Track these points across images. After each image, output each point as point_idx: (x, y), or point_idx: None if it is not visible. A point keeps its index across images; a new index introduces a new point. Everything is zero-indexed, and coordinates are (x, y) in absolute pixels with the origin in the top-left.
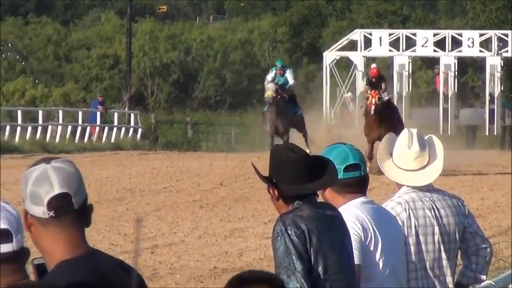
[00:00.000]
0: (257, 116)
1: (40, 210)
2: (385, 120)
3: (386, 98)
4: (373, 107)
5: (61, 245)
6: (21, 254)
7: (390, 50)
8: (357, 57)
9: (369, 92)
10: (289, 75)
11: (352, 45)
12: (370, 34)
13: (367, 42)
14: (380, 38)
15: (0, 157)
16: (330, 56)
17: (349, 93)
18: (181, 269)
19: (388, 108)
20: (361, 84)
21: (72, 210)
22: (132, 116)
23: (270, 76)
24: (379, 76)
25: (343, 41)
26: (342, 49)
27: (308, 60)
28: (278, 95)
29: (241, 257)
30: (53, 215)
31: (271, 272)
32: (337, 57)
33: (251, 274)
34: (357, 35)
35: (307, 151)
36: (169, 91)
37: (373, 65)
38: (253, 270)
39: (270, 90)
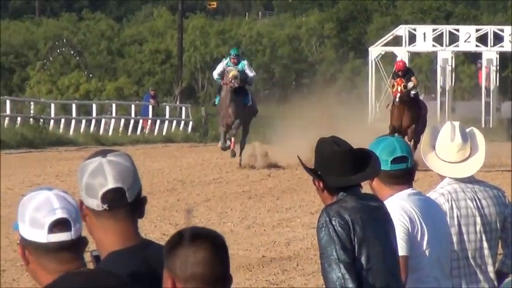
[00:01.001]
0: (304, 109)
1: (94, 203)
2: (409, 111)
3: (413, 91)
4: (398, 95)
5: (113, 237)
6: (79, 243)
7: (434, 45)
8: (402, 52)
9: (394, 80)
10: (246, 67)
11: (396, 41)
12: (415, 30)
13: (412, 38)
14: (424, 33)
15: (50, 149)
16: (375, 51)
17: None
18: (231, 258)
19: (414, 102)
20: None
21: (125, 203)
22: (183, 109)
23: (222, 65)
24: (406, 70)
25: (388, 37)
26: (387, 44)
27: (354, 55)
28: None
29: (289, 246)
30: (107, 208)
31: (214, 229)
32: (382, 52)
33: (192, 230)
34: (402, 30)
35: (240, 146)
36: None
37: (399, 58)
38: (195, 226)
39: (234, 70)
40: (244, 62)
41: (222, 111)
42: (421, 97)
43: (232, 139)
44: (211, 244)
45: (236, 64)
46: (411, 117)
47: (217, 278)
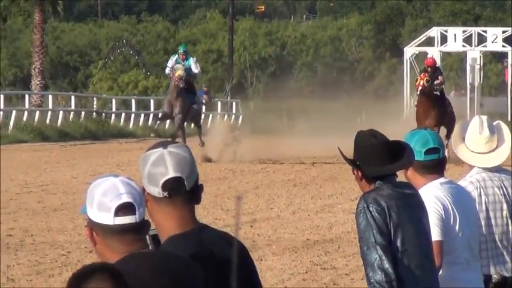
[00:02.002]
0: (346, 104)
1: (155, 190)
2: (434, 109)
3: (439, 88)
4: (419, 88)
5: (172, 221)
6: (143, 226)
7: (463, 46)
8: (434, 52)
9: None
10: (192, 63)
11: (429, 41)
12: (446, 31)
13: (443, 39)
14: (455, 34)
15: (111, 141)
16: (409, 50)
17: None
18: (277, 240)
19: (439, 99)
20: None
21: (184, 191)
22: (234, 104)
23: (171, 61)
24: (435, 67)
25: (422, 38)
26: (421, 45)
27: (390, 55)
28: (186, 80)
29: (331, 230)
30: (167, 195)
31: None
32: (416, 52)
33: (86, 267)
34: (434, 32)
35: (200, 144)
36: (266, 82)
37: (429, 55)
38: (88, 264)
39: (180, 69)
40: (192, 59)
41: (168, 98)
42: (452, 93)
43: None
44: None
45: (184, 60)
46: (437, 116)
47: None
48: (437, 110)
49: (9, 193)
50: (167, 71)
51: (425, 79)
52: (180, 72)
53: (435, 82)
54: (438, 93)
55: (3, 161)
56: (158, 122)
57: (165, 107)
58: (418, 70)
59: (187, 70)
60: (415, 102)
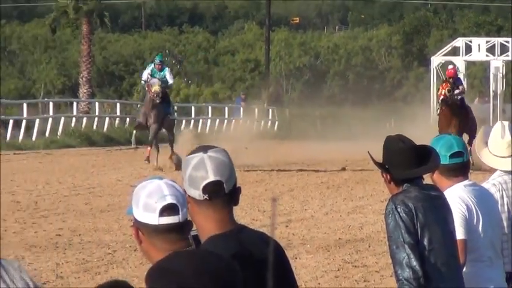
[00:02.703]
0: (377, 111)
1: (196, 193)
2: (455, 117)
3: (459, 97)
4: (441, 98)
5: (212, 223)
6: (186, 225)
7: (487, 55)
8: (459, 61)
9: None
10: (167, 73)
11: (454, 51)
12: (470, 41)
13: (468, 48)
14: (479, 44)
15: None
16: (436, 60)
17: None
18: (311, 240)
19: (460, 107)
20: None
21: (223, 194)
22: (270, 111)
23: (147, 71)
24: (456, 77)
25: (448, 47)
26: (446, 54)
27: (418, 64)
28: (162, 92)
29: (362, 229)
30: (207, 198)
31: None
32: (443, 61)
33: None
34: (459, 42)
35: (173, 156)
36: (301, 89)
37: (450, 66)
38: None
39: (156, 85)
40: (166, 69)
41: (144, 110)
42: (476, 100)
43: (148, 148)
44: None
45: (160, 70)
46: (459, 123)
47: None
48: (459, 118)
49: (58, 195)
50: (143, 79)
51: (446, 89)
52: (156, 88)
53: (456, 91)
54: (459, 101)
55: (54, 164)
56: (134, 131)
57: (140, 118)
58: (444, 78)
59: (163, 81)
60: (438, 111)
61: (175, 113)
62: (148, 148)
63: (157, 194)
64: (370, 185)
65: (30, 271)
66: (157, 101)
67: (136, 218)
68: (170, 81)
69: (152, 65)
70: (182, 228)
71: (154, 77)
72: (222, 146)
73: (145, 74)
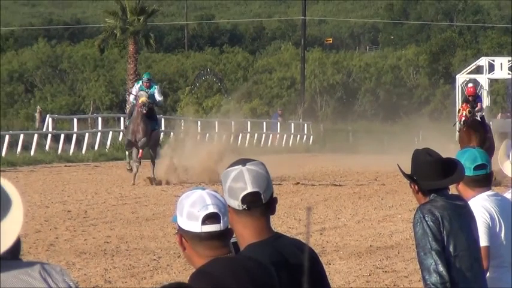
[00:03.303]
0: (405, 126)
1: (235, 203)
2: (476, 134)
3: (480, 115)
4: (462, 119)
5: (250, 231)
6: (227, 233)
7: (508, 73)
8: (483, 79)
9: (460, 106)
10: (156, 91)
11: (478, 69)
12: (493, 61)
13: (491, 67)
14: (501, 63)
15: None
16: (461, 78)
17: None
18: (344, 247)
19: (480, 124)
20: (486, 100)
21: (260, 204)
22: (305, 125)
23: (136, 88)
24: (476, 95)
25: (472, 66)
26: (471, 72)
27: (443, 82)
28: (149, 106)
29: (392, 237)
30: (246, 208)
31: (180, 281)
32: (467, 79)
33: (166, 286)
34: (483, 61)
35: (152, 175)
36: (334, 105)
37: (470, 84)
38: (167, 284)
39: (144, 96)
40: (155, 86)
41: (131, 127)
42: (498, 115)
43: (141, 150)
44: None
45: (148, 87)
46: (479, 139)
47: None
48: (478, 137)
49: (107, 205)
50: (131, 98)
51: (467, 110)
52: (143, 98)
53: (475, 109)
54: (479, 118)
55: (102, 176)
56: (127, 152)
57: (129, 136)
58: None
59: (151, 97)
60: (458, 130)
61: (161, 128)
62: (141, 151)
63: (200, 204)
64: (399, 195)
65: (80, 276)
66: (144, 111)
67: (181, 225)
68: (159, 98)
69: (140, 82)
70: (223, 236)
71: (141, 91)
72: (260, 159)
73: (134, 91)
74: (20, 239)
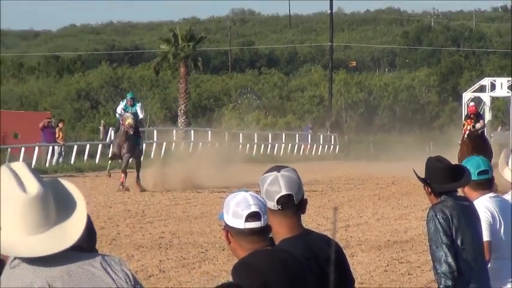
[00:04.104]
0: (418, 137)
1: (271, 204)
2: (478, 148)
3: (480, 130)
4: (467, 132)
5: (284, 228)
6: (266, 229)
7: (508, 92)
8: (486, 97)
9: (464, 121)
10: (138, 109)
11: (482, 88)
12: (495, 80)
13: (492, 86)
14: (501, 83)
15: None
16: (467, 95)
17: (483, 121)
18: (365, 241)
19: (481, 140)
20: (488, 115)
21: (293, 205)
22: (332, 137)
23: (121, 106)
24: (477, 113)
25: (476, 86)
26: (475, 91)
27: (452, 99)
28: (134, 125)
29: (406, 233)
30: (280, 208)
31: (230, 281)
32: (472, 97)
33: (219, 286)
34: (486, 81)
35: (136, 179)
36: (357, 120)
37: (472, 103)
38: (220, 284)
39: (129, 118)
40: (138, 104)
41: (118, 141)
42: (499, 128)
43: (122, 175)
44: None
45: (132, 105)
46: (479, 151)
47: None
48: (479, 148)
49: (161, 205)
50: (117, 115)
51: (471, 125)
52: (129, 121)
53: (477, 126)
54: (480, 133)
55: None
56: (109, 161)
57: (115, 149)
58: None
59: (135, 115)
60: (460, 142)
61: (143, 144)
62: (122, 175)
63: (243, 204)
64: (414, 196)
65: (138, 267)
66: (131, 132)
67: (226, 222)
68: (141, 115)
69: (125, 101)
70: (263, 232)
71: (127, 111)
72: (292, 166)
73: (119, 109)
74: (96, 234)
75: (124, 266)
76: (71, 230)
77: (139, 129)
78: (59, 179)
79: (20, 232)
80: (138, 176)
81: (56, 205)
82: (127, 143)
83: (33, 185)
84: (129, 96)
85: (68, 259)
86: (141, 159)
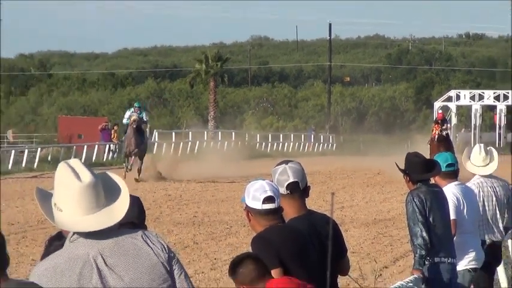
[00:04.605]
0: (399, 137)
1: (282, 190)
2: (444, 147)
3: (445, 132)
4: (436, 136)
5: (292, 209)
6: (279, 210)
7: (470, 101)
8: (452, 105)
9: (433, 125)
10: (144, 115)
11: (449, 99)
12: (459, 92)
13: (458, 97)
14: (465, 94)
15: (257, 160)
16: (437, 104)
17: (448, 125)
18: (357, 219)
19: (446, 141)
20: (454, 120)
21: (299, 190)
22: (331, 137)
23: (128, 113)
24: (444, 119)
25: (445, 96)
26: (444, 101)
27: (425, 107)
28: (138, 125)
29: (389, 213)
30: (289, 192)
31: (249, 251)
32: (441, 105)
33: (237, 257)
34: (452, 93)
35: (138, 172)
36: (350, 124)
37: (440, 111)
38: (238, 255)
39: (134, 115)
40: (144, 112)
41: (127, 142)
42: (462, 130)
43: (132, 158)
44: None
45: (138, 113)
46: (444, 150)
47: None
48: (444, 146)
49: (195, 191)
50: (125, 121)
51: (439, 129)
52: (134, 117)
53: (443, 128)
54: (445, 135)
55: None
56: (125, 161)
57: (125, 149)
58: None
59: (141, 118)
60: (428, 143)
61: (148, 141)
62: (132, 158)
63: (261, 189)
64: (395, 184)
65: (176, 239)
66: (135, 126)
67: (247, 204)
68: (145, 119)
69: (132, 109)
70: (277, 212)
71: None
72: (298, 160)
73: (127, 115)
74: (145, 212)
75: (160, 238)
76: (117, 211)
77: (145, 129)
78: (107, 171)
79: (77, 213)
80: (139, 175)
81: (104, 191)
82: (134, 140)
83: (86, 176)
84: (136, 105)
85: (116, 234)
86: (145, 153)
